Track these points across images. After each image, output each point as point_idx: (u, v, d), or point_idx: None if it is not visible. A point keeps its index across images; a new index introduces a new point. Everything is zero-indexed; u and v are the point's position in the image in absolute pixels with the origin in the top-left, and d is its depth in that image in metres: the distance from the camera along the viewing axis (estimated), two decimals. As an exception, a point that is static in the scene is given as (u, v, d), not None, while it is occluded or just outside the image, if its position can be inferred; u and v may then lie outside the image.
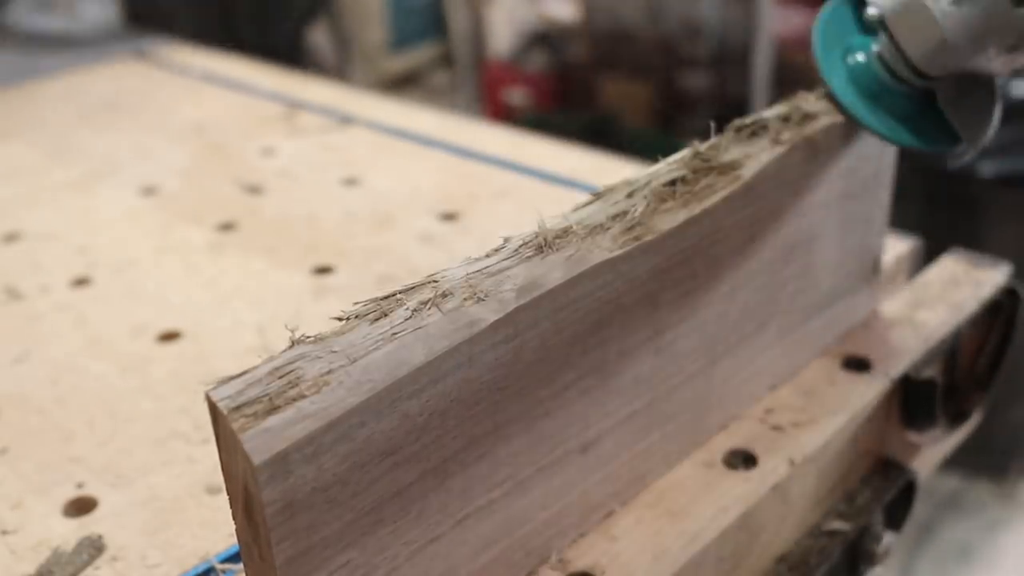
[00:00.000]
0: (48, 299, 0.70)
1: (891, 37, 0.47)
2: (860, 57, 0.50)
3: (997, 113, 0.49)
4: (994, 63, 0.46)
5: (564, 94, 2.74)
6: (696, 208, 0.43)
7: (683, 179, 0.44)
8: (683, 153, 0.45)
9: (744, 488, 0.47)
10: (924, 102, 0.49)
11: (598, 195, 0.43)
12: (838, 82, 0.49)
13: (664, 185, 0.43)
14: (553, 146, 0.93)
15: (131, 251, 0.76)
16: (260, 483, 0.31)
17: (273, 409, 0.31)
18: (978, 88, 0.49)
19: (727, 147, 0.46)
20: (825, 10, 0.51)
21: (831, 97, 0.49)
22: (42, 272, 0.74)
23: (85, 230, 0.80)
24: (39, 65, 1.25)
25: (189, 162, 0.93)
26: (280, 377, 0.32)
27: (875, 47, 0.49)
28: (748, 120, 0.47)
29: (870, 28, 0.49)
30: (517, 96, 2.76)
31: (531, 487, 0.41)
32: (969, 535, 1.48)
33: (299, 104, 1.06)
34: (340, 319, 0.35)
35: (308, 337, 0.34)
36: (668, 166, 0.44)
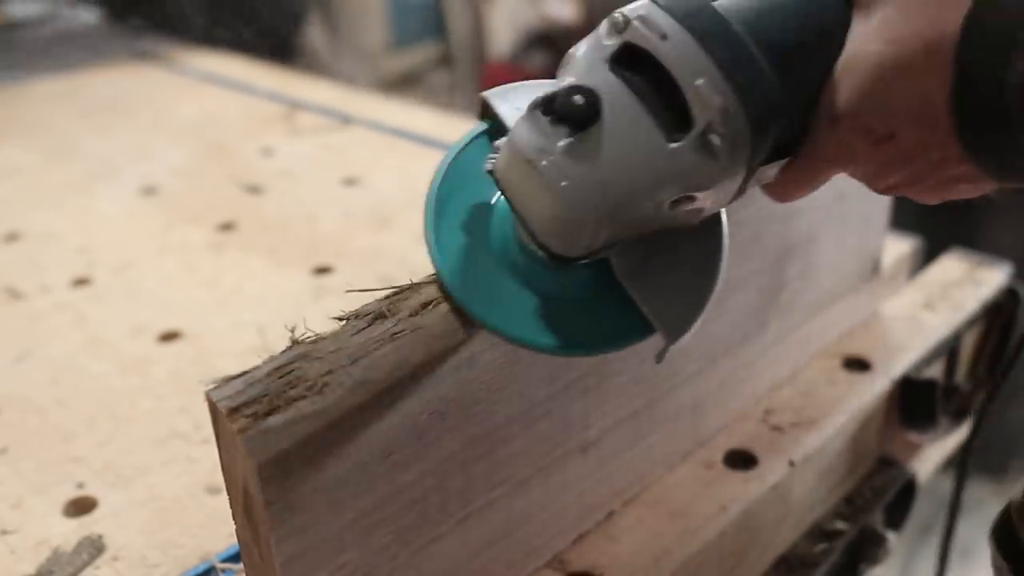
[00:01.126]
0: (48, 299, 0.70)
1: (511, 205, 0.33)
2: (502, 224, 0.36)
3: (716, 270, 0.35)
4: (666, 216, 0.32)
5: (564, 94, 2.73)
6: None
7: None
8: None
9: (744, 488, 0.47)
10: (602, 275, 0.35)
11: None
12: (453, 269, 0.35)
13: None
14: (553, 146, 0.93)
15: (131, 251, 0.76)
16: (260, 483, 0.31)
17: (273, 409, 0.31)
18: (680, 249, 0.35)
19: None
20: (451, 152, 0.37)
21: (441, 288, 0.35)
22: (42, 272, 0.74)
23: (85, 230, 0.80)
24: (39, 65, 1.25)
25: (189, 162, 0.93)
26: (280, 377, 0.32)
27: (508, 220, 0.35)
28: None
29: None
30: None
31: (531, 487, 0.41)
32: (969, 535, 1.48)
33: (299, 104, 1.06)
34: (340, 319, 0.35)
35: (308, 337, 0.34)
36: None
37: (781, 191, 0.34)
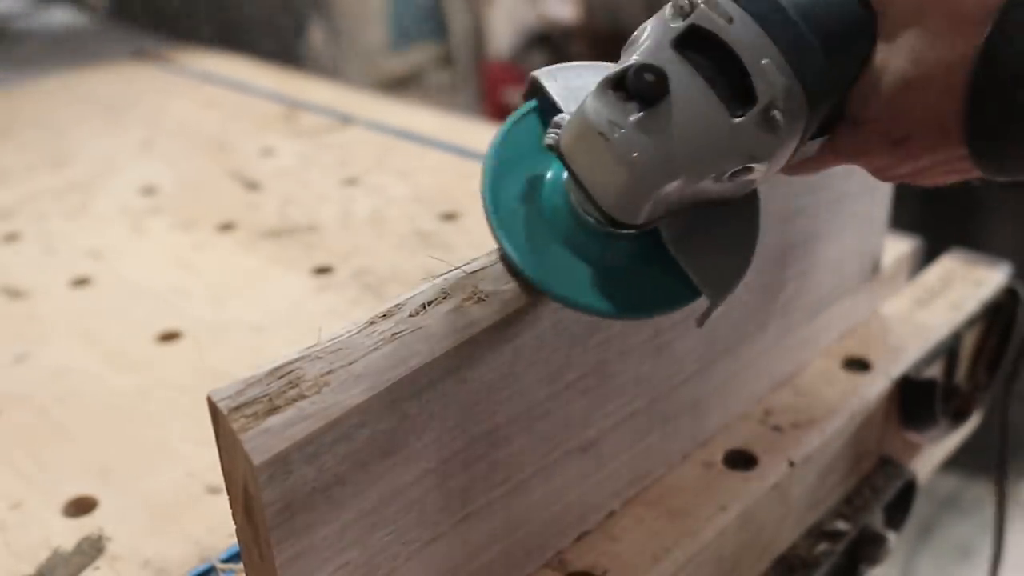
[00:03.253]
0: (48, 299, 0.70)
1: (574, 177, 0.35)
2: (553, 197, 0.38)
3: (755, 238, 0.38)
4: (724, 186, 0.35)
5: (564, 94, 2.73)
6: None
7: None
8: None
9: (744, 488, 0.47)
10: (649, 244, 0.37)
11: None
12: (517, 241, 0.37)
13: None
14: (553, 146, 0.93)
15: (131, 251, 0.76)
16: (260, 483, 0.31)
17: (273, 409, 0.31)
18: (722, 218, 0.37)
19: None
20: (504, 128, 0.39)
21: (504, 258, 0.37)
22: (42, 272, 0.74)
23: (85, 230, 0.80)
24: (39, 65, 1.25)
25: (189, 162, 0.93)
26: (280, 377, 0.32)
27: (566, 187, 0.37)
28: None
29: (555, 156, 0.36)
30: (517, 96, 2.76)
31: (531, 487, 0.41)
32: (969, 535, 1.48)
33: (299, 104, 1.06)
34: (340, 320, 0.35)
35: (309, 337, 0.34)
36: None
37: (793, 168, 0.38)
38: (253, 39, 1.35)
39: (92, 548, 0.47)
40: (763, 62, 0.32)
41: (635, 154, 0.33)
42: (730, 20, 0.32)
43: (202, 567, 0.46)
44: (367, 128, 0.99)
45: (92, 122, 1.05)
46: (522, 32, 2.81)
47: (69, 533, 0.48)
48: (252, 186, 0.87)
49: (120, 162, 0.94)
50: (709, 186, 0.34)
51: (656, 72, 0.33)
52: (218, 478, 0.50)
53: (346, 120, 1.00)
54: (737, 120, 0.32)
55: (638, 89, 0.33)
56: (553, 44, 2.76)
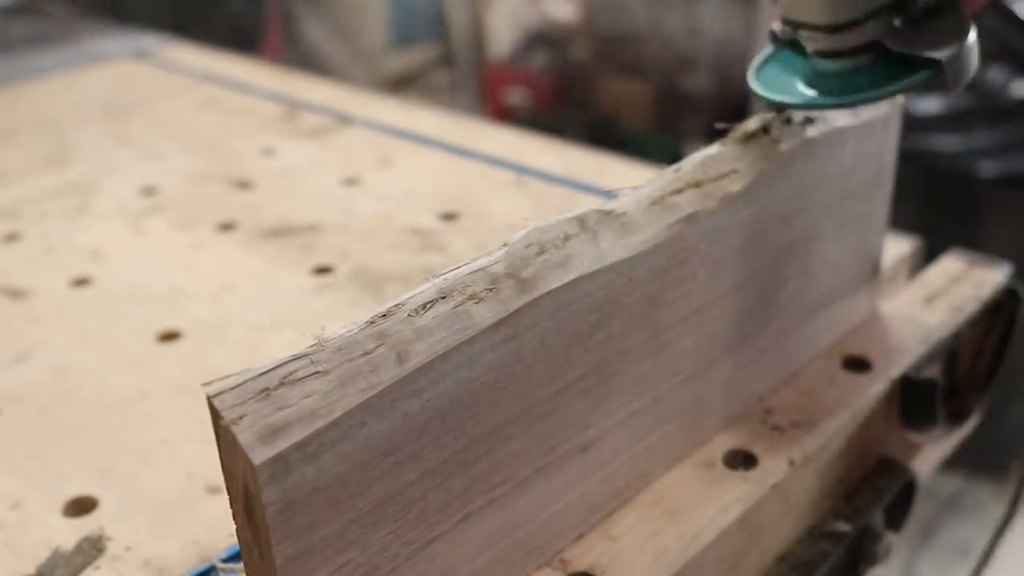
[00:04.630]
0: (48, 299, 0.70)
1: (791, 23, 0.45)
2: (792, 63, 0.48)
3: (972, 35, 0.44)
4: None
5: (564, 94, 2.74)
6: (697, 210, 0.43)
7: (686, 184, 0.44)
8: (686, 162, 0.45)
9: (744, 488, 0.47)
10: (880, 65, 0.46)
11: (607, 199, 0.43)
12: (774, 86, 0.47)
13: (667, 192, 0.43)
14: (553, 146, 0.93)
15: (131, 251, 0.76)
16: (260, 483, 0.31)
17: (273, 409, 0.31)
18: (936, 17, 0.44)
19: (729, 152, 0.46)
20: (763, 54, 0.49)
21: (772, 104, 0.47)
22: (42, 272, 0.74)
23: (85, 230, 0.80)
24: (38, 65, 1.25)
25: (189, 162, 0.93)
26: (280, 376, 0.32)
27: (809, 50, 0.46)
28: (749, 125, 0.47)
29: (792, 44, 0.47)
30: (517, 96, 2.76)
31: (531, 487, 0.41)
32: (969, 535, 1.48)
33: (299, 104, 1.06)
34: (340, 320, 0.35)
35: (309, 337, 0.34)
36: (672, 174, 0.45)
37: None
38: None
39: (92, 548, 0.47)
40: None
41: None
42: None
43: (202, 567, 0.46)
44: (367, 128, 0.99)
45: (92, 122, 1.05)
46: (522, 32, 2.81)
47: (69, 533, 0.48)
48: (252, 186, 0.87)
49: (120, 162, 0.94)
50: None
51: None
52: (218, 478, 0.50)
53: (346, 120, 1.00)
54: None
55: None
56: (553, 44, 2.76)
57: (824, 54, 0.45)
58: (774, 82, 0.48)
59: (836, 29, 0.44)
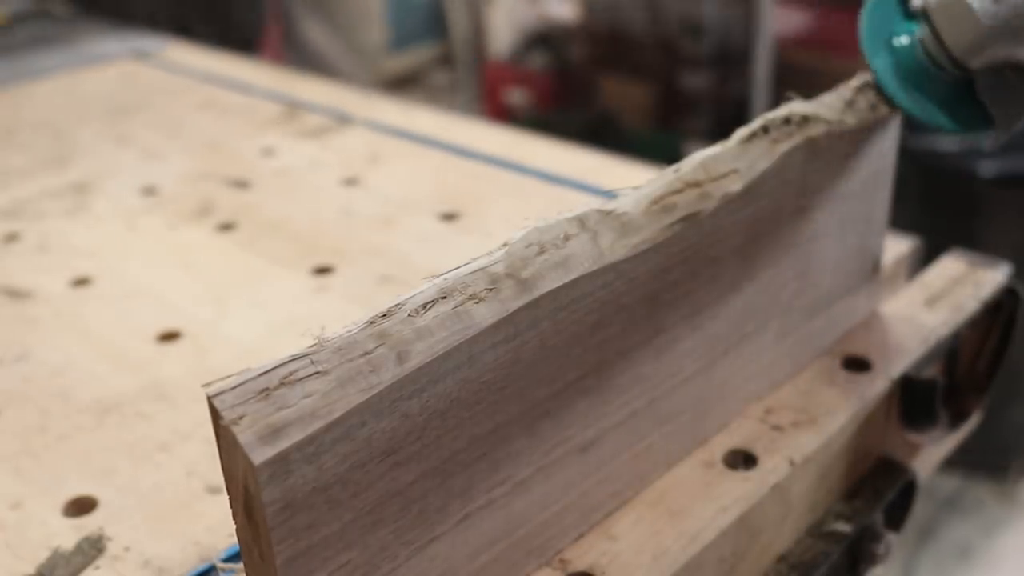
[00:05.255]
0: (48, 299, 0.70)
1: (932, 28, 0.49)
2: (904, 42, 0.51)
3: None
4: None
5: (564, 94, 2.74)
6: (697, 210, 0.43)
7: (686, 184, 0.44)
8: (686, 161, 0.45)
9: (744, 488, 0.47)
10: (963, 89, 0.51)
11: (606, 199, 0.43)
12: (881, 66, 0.51)
13: (667, 192, 0.43)
14: (553, 146, 0.93)
15: (131, 251, 0.76)
16: (260, 483, 0.31)
17: (273, 409, 0.31)
18: (1016, 77, 0.50)
19: (729, 152, 0.46)
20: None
21: (874, 81, 0.51)
22: (42, 272, 0.74)
23: (85, 230, 0.80)
24: (39, 65, 1.25)
25: (189, 162, 0.93)
26: (280, 376, 0.32)
27: (918, 34, 0.51)
28: (750, 125, 0.47)
29: (914, 16, 0.51)
30: (517, 96, 2.76)
31: (531, 487, 0.41)
32: (969, 535, 1.48)
33: (299, 104, 1.06)
34: (340, 320, 0.35)
35: (309, 337, 0.34)
36: (672, 174, 0.45)
37: None
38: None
39: (92, 548, 0.47)
40: None
41: (988, 17, 0.46)
42: None
43: (202, 567, 0.46)
44: (367, 128, 0.99)
45: (92, 122, 1.05)
46: (522, 32, 2.81)
47: (69, 533, 0.48)
48: (252, 186, 0.87)
49: (120, 162, 0.94)
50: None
51: None
52: (218, 478, 0.50)
53: (346, 120, 1.00)
54: None
55: None
56: (553, 44, 2.76)
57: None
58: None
59: (958, 64, 0.49)
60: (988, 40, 0.47)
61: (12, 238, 0.80)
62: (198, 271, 0.73)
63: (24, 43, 1.36)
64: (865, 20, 0.52)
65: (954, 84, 0.51)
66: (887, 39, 0.52)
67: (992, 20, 0.46)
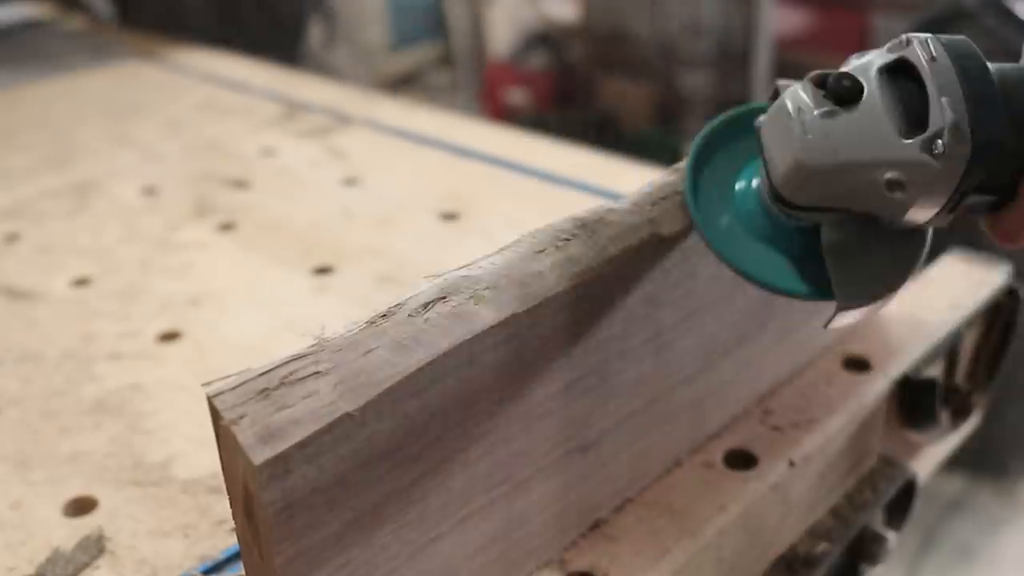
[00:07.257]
0: (48, 299, 0.70)
1: (761, 154, 0.40)
2: (744, 183, 0.43)
3: (905, 276, 0.40)
4: (879, 199, 0.37)
5: (564, 94, 2.74)
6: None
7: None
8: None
9: (744, 488, 0.47)
10: (815, 243, 0.41)
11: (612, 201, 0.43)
12: (705, 210, 0.42)
13: (668, 192, 0.43)
14: (553, 146, 0.93)
15: (131, 251, 0.76)
16: (260, 483, 0.31)
17: (273, 409, 0.31)
18: (887, 239, 0.40)
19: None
20: (708, 127, 0.44)
21: (697, 229, 0.42)
22: (42, 272, 0.74)
23: (85, 230, 0.80)
24: (39, 66, 1.25)
25: (189, 162, 0.93)
26: (280, 377, 0.32)
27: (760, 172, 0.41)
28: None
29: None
30: (517, 96, 2.76)
31: (531, 487, 0.41)
32: (970, 535, 1.48)
33: (299, 104, 1.06)
34: (340, 320, 0.35)
35: (309, 337, 0.34)
36: (674, 173, 0.45)
37: (1003, 235, 0.39)
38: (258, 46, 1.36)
39: (92, 548, 0.47)
40: (943, 99, 0.35)
41: (808, 136, 0.37)
42: (932, 59, 0.36)
43: (202, 567, 0.46)
44: (367, 128, 0.99)
45: (92, 122, 1.05)
46: (522, 32, 2.81)
47: (69, 533, 0.48)
48: (252, 186, 0.87)
49: (120, 162, 0.94)
50: (866, 188, 0.37)
51: (854, 81, 0.37)
52: (218, 478, 0.50)
53: (346, 120, 1.00)
54: (906, 141, 0.36)
55: (835, 90, 0.37)
56: (553, 44, 2.76)
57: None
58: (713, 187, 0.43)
59: (785, 203, 0.40)
60: (809, 171, 0.37)
61: (12, 238, 0.80)
62: (198, 271, 0.73)
63: (22, 42, 1.36)
64: (694, 152, 0.43)
65: (802, 235, 0.41)
66: (728, 176, 0.43)
67: (816, 145, 0.37)
